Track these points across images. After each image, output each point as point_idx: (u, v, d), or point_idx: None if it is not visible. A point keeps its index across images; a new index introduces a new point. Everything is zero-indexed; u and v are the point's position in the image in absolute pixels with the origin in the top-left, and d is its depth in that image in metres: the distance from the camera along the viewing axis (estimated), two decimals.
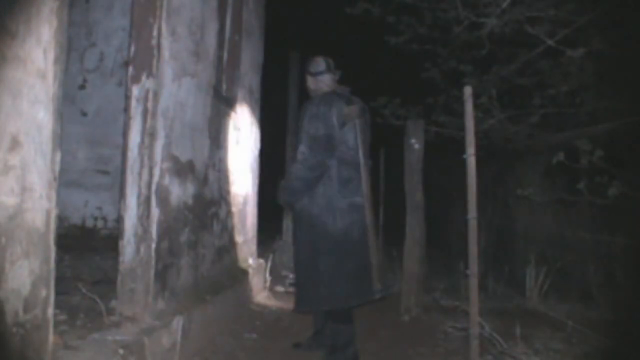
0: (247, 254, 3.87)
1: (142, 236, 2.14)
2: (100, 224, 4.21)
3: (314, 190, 2.61)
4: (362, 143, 2.68)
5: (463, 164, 2.56)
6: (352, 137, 2.66)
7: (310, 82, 2.84)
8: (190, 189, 2.59)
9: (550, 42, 3.31)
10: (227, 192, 3.29)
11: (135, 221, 2.15)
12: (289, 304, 3.78)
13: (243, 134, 3.71)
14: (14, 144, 1.29)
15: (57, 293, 1.51)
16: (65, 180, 3.93)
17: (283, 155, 6.37)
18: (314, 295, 2.60)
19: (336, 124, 2.62)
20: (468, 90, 2.64)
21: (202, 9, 2.69)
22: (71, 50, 4.08)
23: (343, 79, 2.89)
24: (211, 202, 2.95)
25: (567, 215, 4.31)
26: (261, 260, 4.29)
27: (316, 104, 2.69)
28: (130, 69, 2.21)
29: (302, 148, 2.61)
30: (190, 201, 2.58)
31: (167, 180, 2.29)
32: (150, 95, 2.16)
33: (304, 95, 3.03)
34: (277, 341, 2.98)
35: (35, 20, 1.35)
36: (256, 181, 4.39)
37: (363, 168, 2.67)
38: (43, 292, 1.40)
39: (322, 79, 2.82)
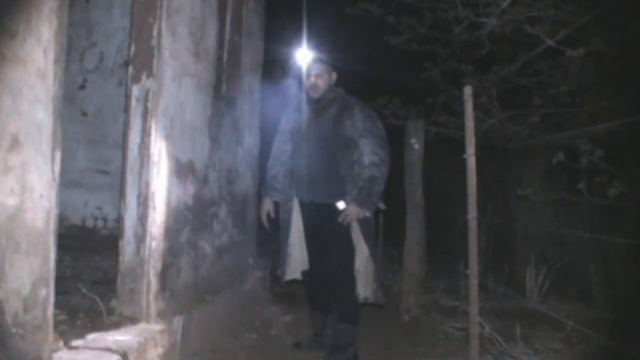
0: (247, 254, 3.87)
1: (142, 236, 2.14)
2: (100, 224, 4.19)
3: None
4: None
5: (463, 164, 2.57)
6: None
7: (330, 78, 2.74)
8: (190, 189, 2.58)
9: (550, 42, 3.31)
10: (227, 192, 3.29)
11: (135, 221, 2.15)
12: (289, 304, 3.79)
13: (243, 134, 3.71)
14: (14, 144, 1.29)
15: (57, 293, 1.51)
16: (65, 180, 3.90)
17: None
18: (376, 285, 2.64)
19: None
20: (468, 90, 2.64)
21: (202, 9, 2.69)
22: (71, 50, 4.07)
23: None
24: (211, 202, 2.95)
25: (567, 215, 4.31)
26: (261, 260, 4.29)
27: (362, 105, 2.69)
28: (130, 69, 2.21)
29: (375, 149, 2.54)
30: (190, 201, 2.58)
31: (167, 180, 2.29)
32: (150, 95, 2.16)
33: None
34: (277, 341, 2.98)
35: (35, 20, 1.35)
36: (256, 181, 4.38)
37: None
38: (43, 292, 1.40)
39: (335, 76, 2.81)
